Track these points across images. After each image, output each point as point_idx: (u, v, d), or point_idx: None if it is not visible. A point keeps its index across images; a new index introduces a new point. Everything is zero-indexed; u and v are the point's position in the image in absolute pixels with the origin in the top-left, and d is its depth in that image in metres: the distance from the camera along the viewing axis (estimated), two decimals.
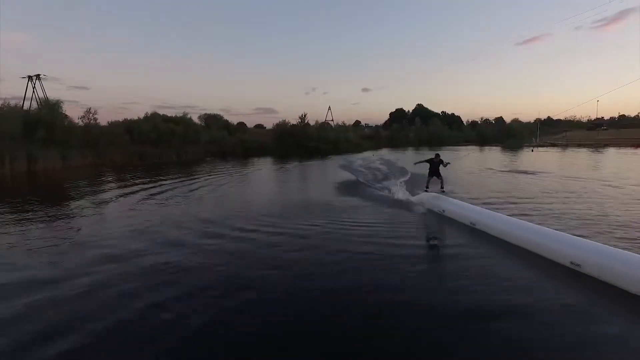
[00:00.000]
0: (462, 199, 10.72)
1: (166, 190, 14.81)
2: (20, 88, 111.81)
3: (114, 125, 35.42)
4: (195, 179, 18.60)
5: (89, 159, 26.58)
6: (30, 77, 42.89)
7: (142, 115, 39.29)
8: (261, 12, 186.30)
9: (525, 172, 20.11)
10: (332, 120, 75.47)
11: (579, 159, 30.81)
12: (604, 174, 19.30)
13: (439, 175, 11.78)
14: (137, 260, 6.58)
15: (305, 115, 48.81)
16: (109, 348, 3.86)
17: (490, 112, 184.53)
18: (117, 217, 10.26)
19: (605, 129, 76.42)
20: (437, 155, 11.73)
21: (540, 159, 31.18)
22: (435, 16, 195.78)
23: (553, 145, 52.54)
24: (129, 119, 37.83)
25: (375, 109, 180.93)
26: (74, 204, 12.11)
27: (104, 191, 15.02)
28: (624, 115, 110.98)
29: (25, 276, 5.85)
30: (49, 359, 3.63)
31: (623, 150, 40.44)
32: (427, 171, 12.05)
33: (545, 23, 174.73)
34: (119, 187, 15.90)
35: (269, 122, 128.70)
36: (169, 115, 41.66)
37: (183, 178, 18.87)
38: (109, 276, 5.81)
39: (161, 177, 19.13)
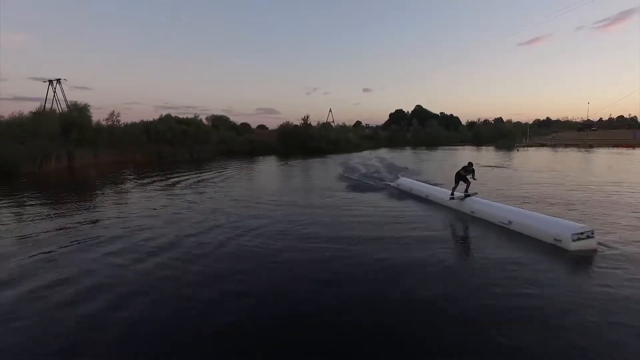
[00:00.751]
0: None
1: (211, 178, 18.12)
2: (21, 88, 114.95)
3: (131, 126, 38.36)
4: (222, 171, 21.77)
5: (116, 156, 29.59)
6: (50, 82, 45.96)
7: (143, 116, 42.36)
8: (261, 12, 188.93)
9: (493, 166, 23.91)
10: (333, 121, 78.35)
11: (545, 156, 33.92)
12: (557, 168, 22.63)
13: (467, 180, 11.82)
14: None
15: (307, 117, 51.74)
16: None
17: (490, 113, 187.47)
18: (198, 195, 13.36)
19: (595, 130, 79.41)
20: (471, 164, 11.82)
21: (519, 157, 34.27)
22: (435, 16, 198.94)
23: (542, 145, 55.30)
24: (145, 120, 40.77)
25: (376, 109, 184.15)
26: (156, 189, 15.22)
27: (166, 178, 18.13)
28: (621, 117, 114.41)
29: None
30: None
31: (603, 150, 43.32)
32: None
33: (547, 23, 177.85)
34: (166, 178, 19.04)
35: (270, 123, 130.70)
36: (176, 115, 44.80)
37: (215, 171, 22.11)
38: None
39: (199, 170, 22.41)
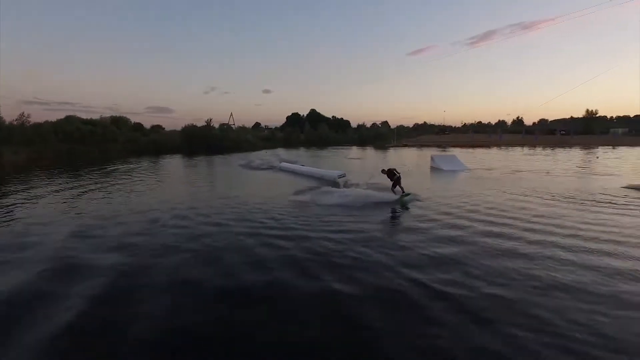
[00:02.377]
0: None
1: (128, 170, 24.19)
2: None
3: (38, 126, 40.37)
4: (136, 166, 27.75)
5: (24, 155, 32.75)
6: None
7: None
8: (153, 9, 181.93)
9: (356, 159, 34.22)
10: (234, 123, 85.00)
11: (393, 153, 46.93)
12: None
13: (399, 184, 14.76)
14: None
15: (210, 120, 58.25)
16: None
17: (380, 117, 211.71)
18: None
19: (448, 134, 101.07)
20: (396, 171, 14.91)
21: (378, 154, 46.45)
22: (334, 21, 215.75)
23: (405, 145, 70.27)
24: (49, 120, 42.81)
25: (276, 111, 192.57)
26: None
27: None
28: (472, 123, 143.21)
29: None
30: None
31: (458, 150, 58.71)
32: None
33: (431, 36, 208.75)
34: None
35: (165, 122, 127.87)
36: (78, 116, 47.32)
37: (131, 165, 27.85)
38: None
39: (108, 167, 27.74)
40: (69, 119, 43.56)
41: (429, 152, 44.65)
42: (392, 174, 14.72)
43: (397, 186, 14.64)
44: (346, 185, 17.15)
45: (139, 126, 62.36)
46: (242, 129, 70.57)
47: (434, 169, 25.94)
